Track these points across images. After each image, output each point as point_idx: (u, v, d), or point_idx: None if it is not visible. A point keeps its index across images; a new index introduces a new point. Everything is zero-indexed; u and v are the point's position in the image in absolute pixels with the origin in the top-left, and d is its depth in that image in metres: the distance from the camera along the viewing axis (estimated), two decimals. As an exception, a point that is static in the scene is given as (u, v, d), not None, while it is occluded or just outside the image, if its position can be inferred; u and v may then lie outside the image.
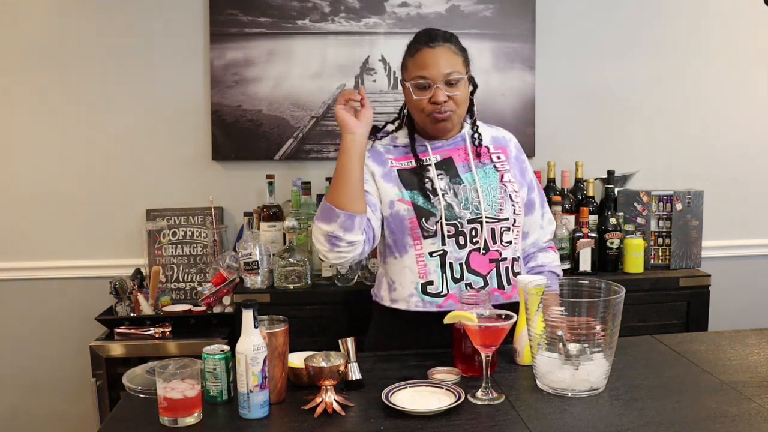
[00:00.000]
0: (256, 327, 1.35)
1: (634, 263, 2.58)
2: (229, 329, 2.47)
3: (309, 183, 2.65)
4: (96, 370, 2.38)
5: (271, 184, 2.61)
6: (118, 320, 2.46)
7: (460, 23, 2.76)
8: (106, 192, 2.74)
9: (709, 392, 1.46)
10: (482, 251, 1.76)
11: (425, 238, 1.74)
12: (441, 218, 1.74)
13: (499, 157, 1.86)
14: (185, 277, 2.73)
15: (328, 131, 2.77)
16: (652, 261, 2.67)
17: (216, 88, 2.72)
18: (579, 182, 2.75)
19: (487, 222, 1.76)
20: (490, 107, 2.77)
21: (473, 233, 1.76)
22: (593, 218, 2.63)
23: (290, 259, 2.42)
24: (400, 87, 2.77)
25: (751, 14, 2.94)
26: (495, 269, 1.78)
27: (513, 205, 1.80)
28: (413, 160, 1.80)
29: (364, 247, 1.70)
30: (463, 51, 1.79)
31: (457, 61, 1.74)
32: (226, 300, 2.54)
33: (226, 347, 1.43)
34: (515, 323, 1.47)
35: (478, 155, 1.83)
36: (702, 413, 1.35)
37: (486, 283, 1.76)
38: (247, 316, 1.34)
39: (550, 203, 2.56)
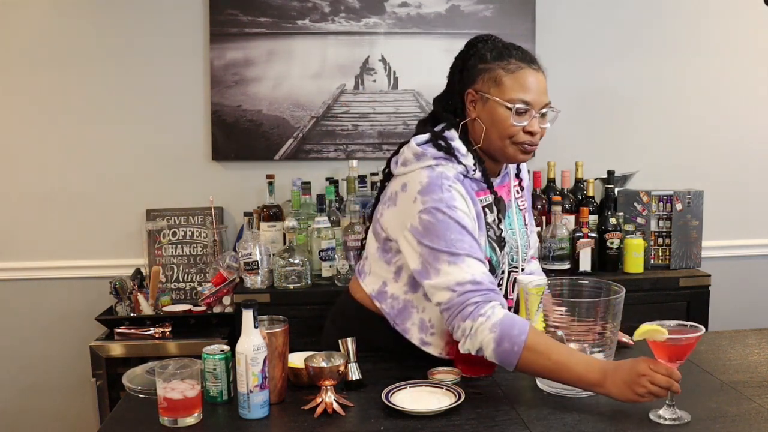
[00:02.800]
0: (256, 327, 1.34)
1: (634, 263, 2.58)
2: (229, 329, 2.47)
3: (309, 183, 2.64)
4: (96, 370, 2.39)
5: (271, 184, 2.61)
6: (118, 320, 2.46)
7: (460, 23, 2.76)
8: (106, 192, 2.74)
9: (709, 392, 1.46)
10: (506, 298, 1.67)
11: None
12: (502, 275, 1.62)
13: (518, 192, 1.74)
14: (185, 277, 2.73)
15: (328, 131, 2.77)
16: (652, 261, 2.67)
17: (216, 88, 2.72)
18: (579, 182, 2.75)
19: (513, 271, 1.67)
20: (490, 107, 2.77)
21: (500, 281, 1.64)
22: (593, 218, 2.63)
23: (290, 259, 2.42)
24: (401, 87, 2.81)
25: (751, 14, 2.93)
26: (513, 308, 1.71)
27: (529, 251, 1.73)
28: (483, 198, 1.58)
29: None
30: None
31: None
32: (226, 300, 2.54)
33: (226, 347, 1.43)
34: (702, 334, 1.33)
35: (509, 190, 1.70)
36: (702, 413, 1.35)
37: None
38: (247, 316, 1.34)
39: (550, 203, 2.58)
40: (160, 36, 2.70)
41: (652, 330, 1.29)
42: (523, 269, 1.71)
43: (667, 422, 1.29)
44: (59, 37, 2.67)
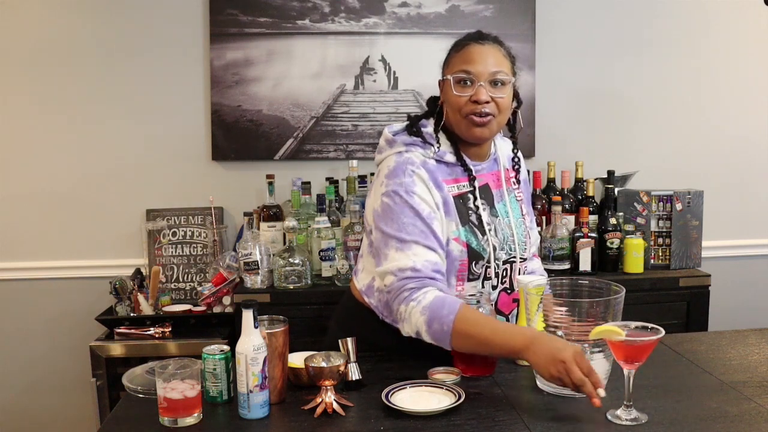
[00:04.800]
0: (256, 327, 1.34)
1: (634, 263, 2.58)
2: (229, 329, 2.47)
3: (309, 183, 2.65)
4: (96, 370, 2.39)
5: (271, 184, 2.61)
6: (118, 320, 2.46)
7: (460, 23, 2.76)
8: (106, 192, 2.74)
9: (709, 392, 1.46)
10: (509, 291, 1.69)
11: (469, 280, 1.61)
12: (489, 261, 1.61)
13: (515, 183, 1.75)
14: (185, 277, 2.73)
15: (328, 131, 2.77)
16: (652, 261, 2.67)
17: (216, 88, 2.72)
18: (579, 182, 2.75)
19: (512, 261, 1.68)
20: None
21: (503, 273, 1.66)
22: (593, 218, 2.63)
23: (290, 259, 2.42)
24: (401, 87, 2.81)
25: (751, 14, 2.94)
26: (516, 308, 1.71)
27: (529, 242, 1.73)
28: (461, 184, 1.62)
29: None
30: (512, 58, 1.65)
31: (506, 63, 1.61)
32: (226, 300, 2.54)
33: (226, 347, 1.43)
34: (661, 337, 1.32)
35: (506, 179, 1.70)
36: (702, 413, 1.35)
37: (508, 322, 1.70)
38: (247, 316, 1.34)
39: (550, 203, 2.58)
40: (160, 36, 2.70)
41: (609, 330, 1.31)
42: (524, 259, 1.70)
43: (624, 422, 1.30)
44: (59, 37, 2.67)
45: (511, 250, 1.66)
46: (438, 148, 1.60)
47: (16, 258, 2.74)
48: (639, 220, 2.67)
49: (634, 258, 2.58)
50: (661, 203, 2.67)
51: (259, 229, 2.58)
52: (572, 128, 2.92)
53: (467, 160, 1.64)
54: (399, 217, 1.53)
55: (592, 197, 2.69)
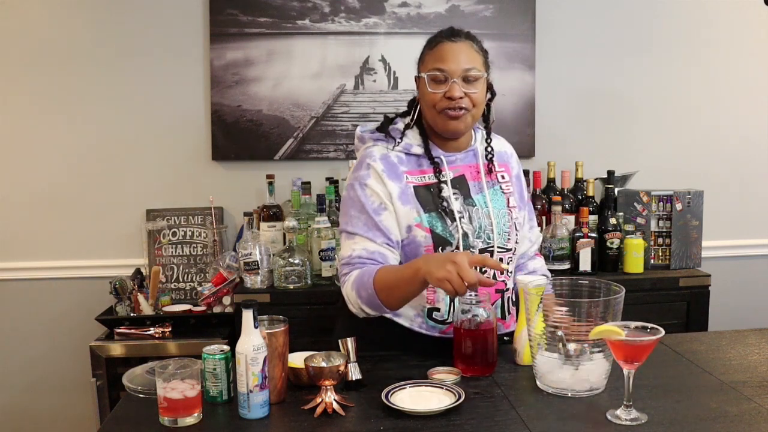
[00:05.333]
0: (256, 327, 1.34)
1: (634, 263, 2.58)
2: (229, 329, 2.47)
3: (309, 183, 2.65)
4: (96, 370, 2.39)
5: (271, 184, 2.61)
6: (118, 320, 2.46)
7: (460, 23, 2.71)
8: (107, 192, 2.74)
9: (709, 392, 1.46)
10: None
11: None
12: (458, 247, 1.64)
13: (503, 176, 1.77)
14: (185, 277, 2.73)
15: (328, 131, 2.77)
16: (652, 261, 2.67)
17: (216, 88, 2.72)
18: (579, 182, 2.75)
19: (498, 252, 1.69)
20: (490, 107, 2.77)
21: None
22: (593, 218, 2.63)
23: (290, 259, 2.42)
24: (401, 87, 2.81)
25: (751, 14, 2.94)
26: (500, 299, 1.72)
27: (516, 235, 1.74)
28: (429, 175, 1.68)
29: None
30: (485, 53, 1.70)
31: (478, 59, 1.66)
32: (226, 300, 2.54)
33: (226, 347, 1.43)
34: (661, 337, 1.32)
35: (489, 172, 1.74)
36: (702, 413, 1.35)
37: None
38: (247, 316, 1.34)
39: (550, 203, 2.58)
40: (160, 36, 2.70)
41: (609, 330, 1.31)
42: (507, 249, 1.71)
43: (624, 422, 1.30)
44: (59, 37, 2.67)
45: (489, 239, 1.68)
46: (399, 141, 1.69)
47: (16, 258, 2.74)
48: (639, 220, 2.67)
49: (634, 258, 2.58)
50: (661, 203, 2.67)
51: (259, 229, 2.58)
52: (572, 128, 2.92)
53: (440, 152, 1.71)
54: (349, 211, 1.67)
55: (592, 197, 2.69)
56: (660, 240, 2.68)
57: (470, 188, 1.71)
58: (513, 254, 1.74)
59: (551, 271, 2.42)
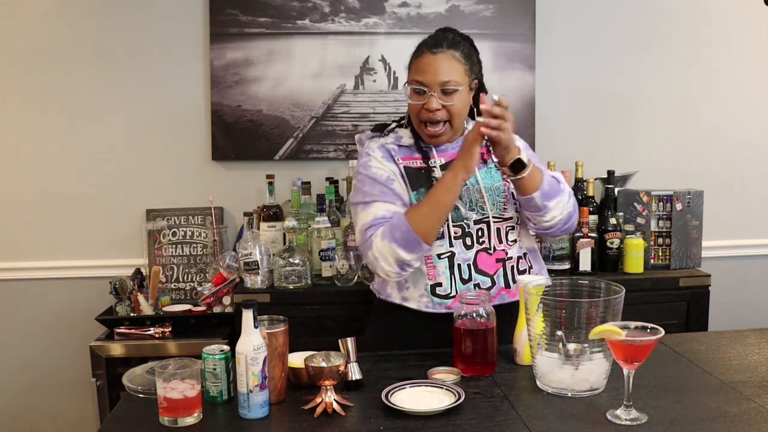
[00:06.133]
0: (256, 327, 1.34)
1: (634, 263, 2.58)
2: (229, 329, 2.47)
3: (309, 183, 2.65)
4: (96, 370, 2.39)
5: (271, 184, 2.61)
6: (118, 320, 2.46)
7: (460, 23, 2.76)
8: (106, 192, 2.74)
9: (709, 392, 1.46)
10: (489, 251, 1.77)
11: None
12: (448, 220, 1.73)
13: (491, 162, 1.83)
14: (185, 277, 2.73)
15: (328, 131, 2.77)
16: (652, 261, 2.67)
17: (216, 88, 2.72)
18: (579, 182, 2.75)
19: (493, 222, 1.77)
20: (490, 107, 2.77)
21: (480, 234, 1.77)
22: (593, 218, 2.63)
23: (290, 259, 2.42)
24: (401, 87, 2.80)
25: (751, 14, 2.94)
26: (502, 269, 1.78)
27: (515, 203, 1.81)
28: (419, 160, 1.80)
29: None
30: (468, 59, 1.76)
31: (458, 70, 1.73)
32: (226, 300, 2.54)
33: (226, 347, 1.43)
34: (661, 337, 1.33)
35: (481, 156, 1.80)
36: (702, 413, 1.35)
37: (493, 283, 1.76)
38: (247, 316, 1.34)
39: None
40: (160, 36, 2.70)
41: (609, 330, 1.32)
42: (503, 219, 1.79)
43: (624, 422, 1.30)
44: (59, 37, 2.67)
45: (483, 211, 1.76)
46: (408, 138, 1.82)
47: (16, 258, 2.74)
48: (639, 220, 2.67)
49: (634, 258, 2.58)
50: (661, 203, 2.67)
51: (259, 229, 2.58)
52: (572, 128, 2.92)
53: (431, 145, 1.82)
54: (361, 188, 1.77)
55: (592, 197, 2.68)
56: (660, 240, 2.68)
57: None
58: (517, 223, 1.82)
59: (552, 271, 2.44)
